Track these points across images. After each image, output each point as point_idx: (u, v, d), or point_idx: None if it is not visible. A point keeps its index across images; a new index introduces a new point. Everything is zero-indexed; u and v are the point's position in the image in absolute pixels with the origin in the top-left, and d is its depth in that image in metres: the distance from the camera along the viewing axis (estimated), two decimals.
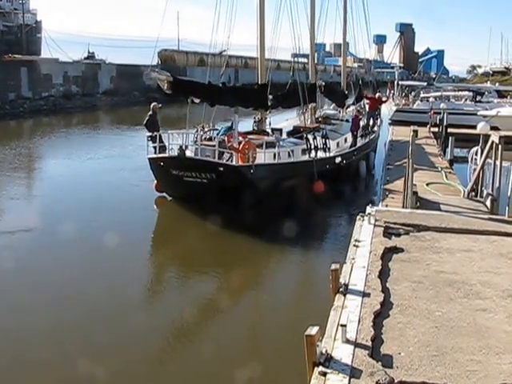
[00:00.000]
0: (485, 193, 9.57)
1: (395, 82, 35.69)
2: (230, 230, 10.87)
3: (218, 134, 13.33)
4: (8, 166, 18.96)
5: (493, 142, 9.18)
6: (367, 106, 21.53)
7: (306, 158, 13.50)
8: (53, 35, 44.54)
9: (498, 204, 8.71)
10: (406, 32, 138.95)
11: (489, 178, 9.55)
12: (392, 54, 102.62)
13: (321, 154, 13.96)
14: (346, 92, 23.44)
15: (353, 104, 22.80)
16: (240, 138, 12.49)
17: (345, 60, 27.25)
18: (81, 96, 42.40)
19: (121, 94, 45.80)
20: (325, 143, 14.38)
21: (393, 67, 47.50)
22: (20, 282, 8.43)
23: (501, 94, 35.36)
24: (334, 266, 5.27)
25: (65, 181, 16.77)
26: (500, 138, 8.81)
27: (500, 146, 8.77)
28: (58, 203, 13.63)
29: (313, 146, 13.63)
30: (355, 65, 48.58)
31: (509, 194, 8.42)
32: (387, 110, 29.42)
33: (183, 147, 11.88)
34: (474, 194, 10.23)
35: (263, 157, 12.35)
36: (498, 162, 8.85)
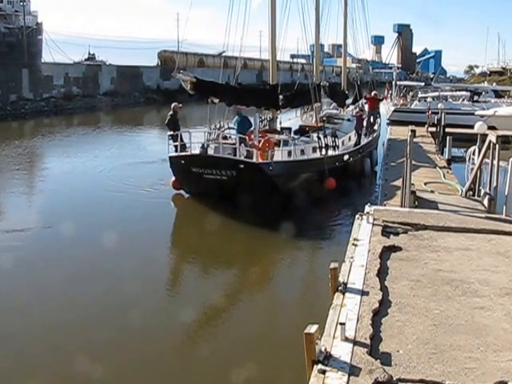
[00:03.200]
0: (482, 192, 9.61)
1: (393, 83, 35.74)
2: (245, 226, 11.13)
3: (238, 132, 13.54)
4: (17, 165, 19.16)
5: (490, 142, 9.22)
6: (366, 106, 21.72)
7: (316, 155, 13.89)
8: (53, 37, 44.55)
9: (496, 203, 8.74)
10: (404, 33, 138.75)
11: (486, 178, 9.58)
12: (390, 55, 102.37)
13: (330, 152, 14.37)
14: (347, 92, 23.81)
15: (352, 104, 23.12)
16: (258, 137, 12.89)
17: (345, 61, 27.40)
18: (81, 97, 42.46)
19: (121, 95, 45.89)
20: (334, 141, 14.80)
21: (391, 67, 47.54)
22: (46, 277, 8.73)
23: (498, 94, 35.41)
24: (332, 265, 5.30)
25: (75, 179, 16.94)
26: (497, 137, 8.85)
27: (497, 146, 8.81)
28: (71, 200, 13.81)
29: (323, 144, 14.04)
30: (353, 65, 48.60)
31: (506, 193, 8.48)
32: (385, 110, 29.50)
33: (205, 145, 12.23)
34: (471, 193, 10.27)
35: (279, 154, 12.74)
36: (495, 162, 8.88)
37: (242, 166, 11.78)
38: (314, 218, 12.21)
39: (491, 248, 6.64)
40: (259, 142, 12.41)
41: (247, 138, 12.69)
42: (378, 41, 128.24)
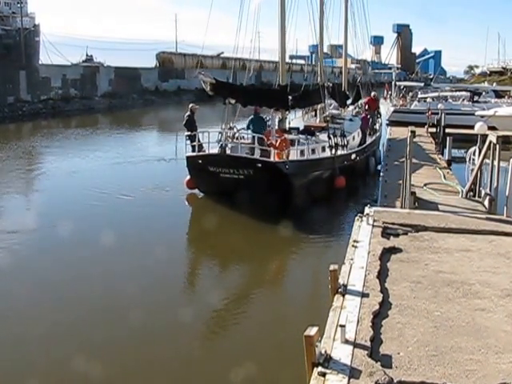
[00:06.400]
0: (483, 193, 9.59)
1: (393, 83, 35.77)
2: (262, 222, 11.37)
3: (253, 132, 13.78)
4: (25, 166, 19.39)
5: (490, 142, 9.20)
6: (366, 106, 21.90)
7: (326, 154, 14.28)
8: (51, 38, 44.50)
9: (496, 204, 8.72)
10: (404, 33, 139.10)
11: (487, 178, 9.56)
12: (389, 55, 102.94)
13: (339, 152, 14.73)
14: (347, 92, 24.10)
15: (352, 104, 23.34)
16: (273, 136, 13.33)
17: (346, 61, 27.49)
18: (79, 99, 42.38)
19: (119, 96, 45.81)
20: (342, 141, 15.19)
21: (390, 68, 47.66)
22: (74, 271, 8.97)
23: (498, 94, 35.41)
24: (332, 267, 5.27)
25: (81, 179, 16.95)
26: (497, 137, 8.84)
27: (497, 146, 8.79)
28: (80, 201, 13.81)
29: (333, 144, 14.44)
30: (353, 66, 48.72)
31: (507, 193, 8.46)
32: (385, 110, 29.57)
33: (223, 145, 12.53)
34: (472, 193, 10.25)
35: (293, 154, 13.10)
36: (495, 162, 8.87)
37: (259, 165, 12.07)
38: (324, 217, 12.36)
39: (492, 249, 6.61)
40: (276, 141, 12.76)
41: (265, 137, 13.02)
42: (378, 41, 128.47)
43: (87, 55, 57.00)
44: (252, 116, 14.30)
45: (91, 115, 39.57)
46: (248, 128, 14.20)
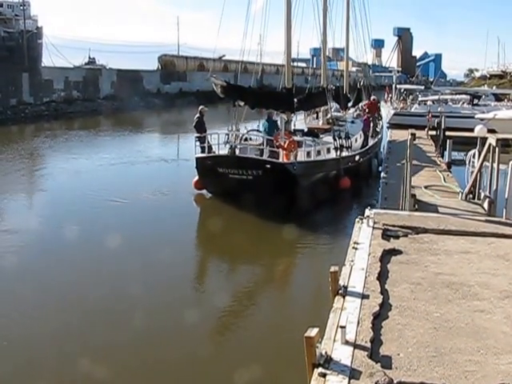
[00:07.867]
0: (482, 195, 9.63)
1: (393, 86, 35.85)
2: (268, 223, 11.56)
3: (267, 134, 13.98)
4: (30, 167, 19.57)
5: (490, 145, 9.25)
6: (366, 110, 22.04)
7: (331, 156, 14.59)
8: (54, 41, 44.65)
9: (496, 206, 8.76)
10: (404, 36, 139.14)
11: (486, 181, 9.61)
12: (390, 58, 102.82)
13: (343, 153, 15.01)
14: (349, 95, 24.26)
15: (352, 106, 23.49)
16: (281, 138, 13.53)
17: (347, 64, 27.55)
18: (82, 101, 42.49)
19: (121, 98, 45.92)
20: (347, 142, 15.48)
21: (391, 71, 47.68)
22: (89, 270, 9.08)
23: (498, 98, 35.40)
24: (333, 268, 5.31)
25: (86, 180, 17.02)
26: (497, 140, 8.88)
27: (497, 149, 8.83)
28: (88, 202, 13.84)
29: (338, 145, 14.72)
30: (353, 69, 48.82)
31: (506, 195, 8.50)
32: (385, 113, 29.64)
33: (233, 146, 12.74)
34: (471, 196, 10.28)
35: (300, 155, 13.35)
36: (495, 165, 8.91)
37: (268, 165, 12.27)
38: (329, 218, 12.51)
39: (491, 251, 6.65)
40: (284, 142, 12.99)
41: (274, 139, 13.26)
42: (378, 44, 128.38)
43: (90, 58, 57.24)
44: (266, 120, 14.59)
45: (93, 117, 39.65)
46: (259, 131, 14.50)
